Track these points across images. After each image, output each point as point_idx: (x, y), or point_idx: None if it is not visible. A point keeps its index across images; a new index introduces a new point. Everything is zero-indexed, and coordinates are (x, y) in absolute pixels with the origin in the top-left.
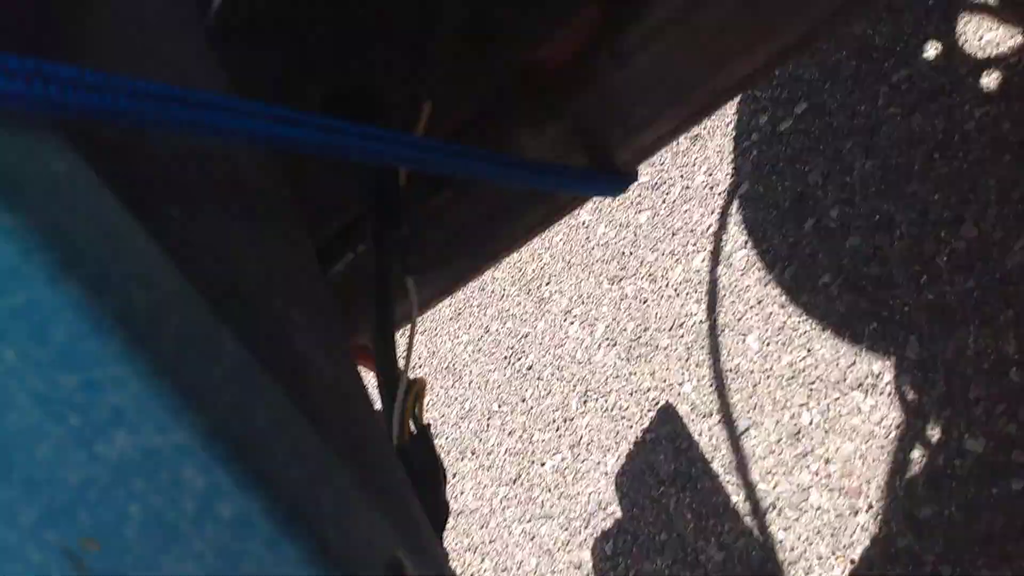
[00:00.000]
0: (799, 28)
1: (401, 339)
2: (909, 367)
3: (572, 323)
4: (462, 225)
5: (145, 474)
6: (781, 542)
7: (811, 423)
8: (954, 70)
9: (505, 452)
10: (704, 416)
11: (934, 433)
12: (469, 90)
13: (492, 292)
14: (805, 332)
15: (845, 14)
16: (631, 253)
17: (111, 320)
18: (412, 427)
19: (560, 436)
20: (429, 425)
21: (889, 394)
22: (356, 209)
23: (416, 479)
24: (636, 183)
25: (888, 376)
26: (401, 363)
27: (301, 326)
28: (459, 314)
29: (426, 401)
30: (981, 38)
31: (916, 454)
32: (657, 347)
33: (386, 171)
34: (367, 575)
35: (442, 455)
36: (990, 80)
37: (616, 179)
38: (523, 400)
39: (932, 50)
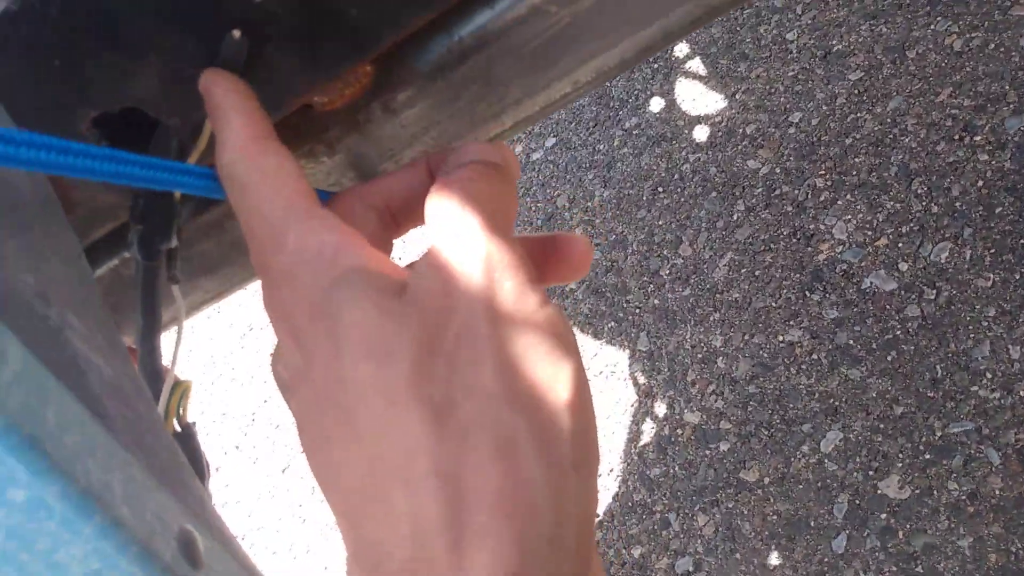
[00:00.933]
0: (536, 104)
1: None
2: (640, 357)
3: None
4: (235, 238)
5: None
6: None
7: None
8: (674, 122)
9: (272, 444)
10: None
11: (660, 409)
12: None
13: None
14: None
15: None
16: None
17: None
18: (177, 425)
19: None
20: (194, 423)
21: (624, 379)
22: (124, 215)
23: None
24: None
25: (623, 364)
26: (169, 363)
27: (79, 331)
28: (219, 311)
29: (189, 403)
30: (694, 99)
31: (647, 427)
32: None
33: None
34: (160, 547)
35: (205, 452)
36: (700, 133)
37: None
38: None
39: (656, 105)
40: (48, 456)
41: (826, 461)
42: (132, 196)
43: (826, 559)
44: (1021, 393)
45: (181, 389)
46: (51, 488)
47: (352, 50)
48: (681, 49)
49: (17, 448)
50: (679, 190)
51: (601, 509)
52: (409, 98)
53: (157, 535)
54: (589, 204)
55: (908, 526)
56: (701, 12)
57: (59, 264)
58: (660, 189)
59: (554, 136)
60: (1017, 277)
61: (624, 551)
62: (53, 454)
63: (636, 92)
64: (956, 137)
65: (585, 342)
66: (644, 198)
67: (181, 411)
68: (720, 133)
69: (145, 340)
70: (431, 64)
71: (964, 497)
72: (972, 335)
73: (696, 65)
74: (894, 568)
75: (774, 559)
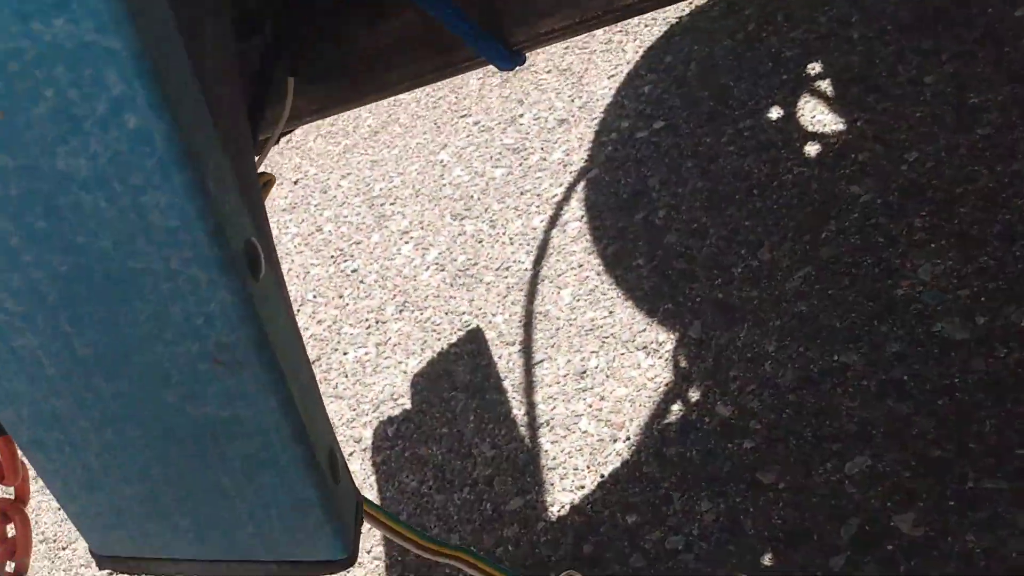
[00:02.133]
0: None
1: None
2: (688, 343)
3: (407, 243)
4: (363, 50)
5: (70, 66)
6: (547, 451)
7: (596, 367)
8: (788, 133)
9: (310, 336)
10: (507, 344)
11: (694, 395)
12: None
13: (334, 197)
14: (611, 297)
15: None
16: (478, 199)
17: None
18: None
19: (369, 333)
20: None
21: (666, 360)
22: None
23: None
24: (500, 144)
25: (669, 346)
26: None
27: (211, 43)
28: (294, 207)
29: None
30: (814, 116)
31: (675, 408)
32: (481, 281)
33: None
34: (233, 238)
35: None
36: (812, 149)
37: (508, 55)
38: (340, 296)
39: (775, 113)
40: (167, 98)
41: (847, 482)
42: None
43: (819, 574)
44: None
45: (264, 180)
46: (160, 125)
47: None
48: (814, 67)
49: (145, 75)
50: (774, 197)
51: (606, 470)
52: None
53: (231, 227)
54: (680, 190)
55: (912, 563)
56: None
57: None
58: (755, 192)
59: (663, 120)
60: None
61: (619, 515)
62: (171, 97)
63: (758, 97)
64: None
65: (636, 316)
66: (737, 197)
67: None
68: (831, 154)
69: (249, 113)
70: None
71: (979, 551)
72: None
73: (825, 86)
74: None
75: (767, 560)
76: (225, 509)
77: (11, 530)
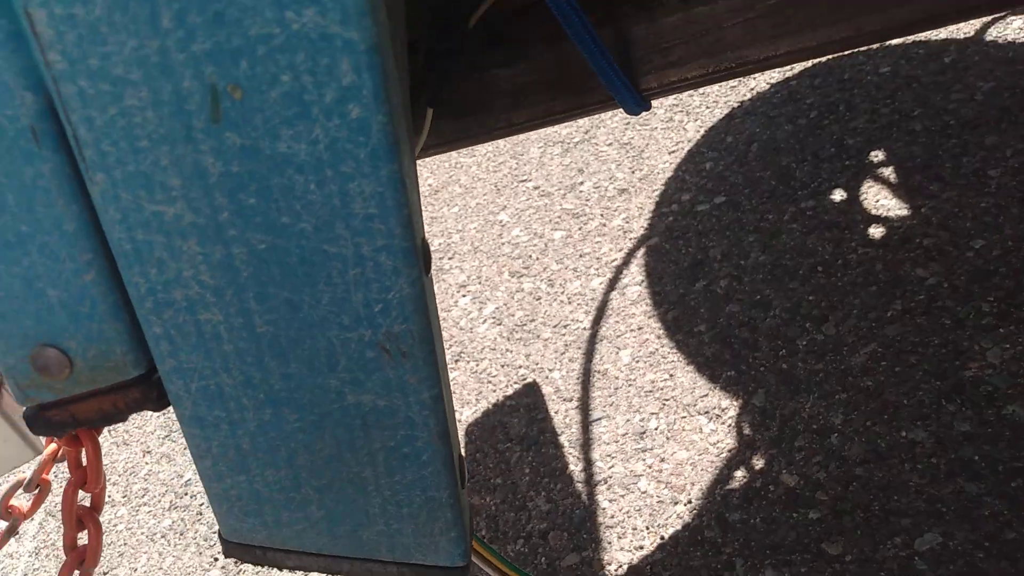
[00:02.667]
0: (815, 40)
1: None
2: (752, 411)
3: (465, 296)
4: (498, 88)
5: (310, 54)
6: (604, 509)
7: (656, 428)
8: (851, 215)
9: None
10: (564, 400)
11: (758, 463)
12: None
13: None
14: (672, 361)
15: (888, 32)
16: (537, 259)
17: None
18: None
19: None
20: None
21: (729, 426)
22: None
23: None
24: (560, 208)
25: (733, 412)
26: None
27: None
28: None
29: None
30: (877, 200)
31: (738, 474)
32: (539, 337)
33: (460, 5)
34: (416, 230)
35: None
36: (876, 231)
37: (639, 99)
38: None
39: (839, 195)
40: (388, 91)
41: (917, 559)
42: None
43: None
44: None
45: None
46: (379, 117)
47: None
48: (877, 155)
49: (374, 68)
50: (839, 275)
51: (666, 533)
52: None
53: (415, 221)
54: (742, 263)
55: None
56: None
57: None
58: (819, 268)
59: (724, 195)
60: None
61: None
62: (390, 92)
63: (820, 179)
64: None
65: (698, 380)
66: (801, 272)
67: None
68: (896, 237)
69: None
70: None
71: None
72: None
73: (888, 173)
74: None
75: None
76: (360, 502)
77: (83, 538)
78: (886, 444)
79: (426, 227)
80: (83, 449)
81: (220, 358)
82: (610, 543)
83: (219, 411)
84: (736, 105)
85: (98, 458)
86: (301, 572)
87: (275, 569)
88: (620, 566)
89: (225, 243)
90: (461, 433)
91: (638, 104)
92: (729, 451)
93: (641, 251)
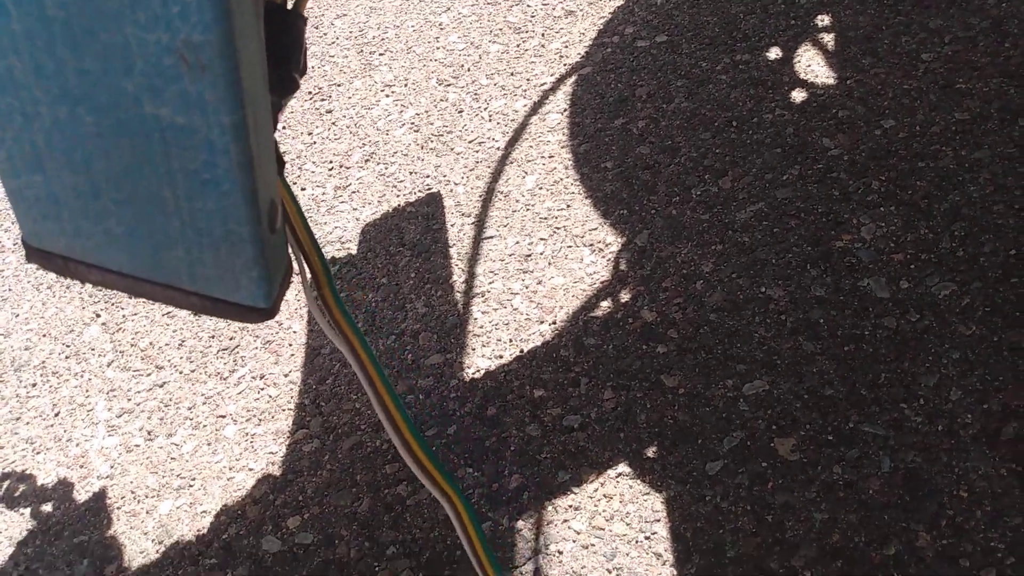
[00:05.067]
0: None
1: None
2: (632, 249)
3: (388, 96)
4: None
5: None
6: (476, 319)
7: (542, 253)
8: (779, 75)
9: None
10: (463, 215)
11: (624, 297)
12: None
13: (324, 35)
14: (572, 192)
15: None
16: (468, 70)
17: None
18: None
19: (331, 175)
20: (306, 18)
21: (608, 260)
22: None
23: (270, 47)
24: (504, 20)
25: (615, 248)
26: None
27: None
28: None
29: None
30: (809, 65)
31: (604, 304)
32: (452, 149)
33: None
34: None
35: None
36: (798, 95)
37: None
38: (309, 133)
39: (774, 53)
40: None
41: (741, 401)
42: None
43: (695, 474)
44: (939, 427)
45: None
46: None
47: None
48: (823, 19)
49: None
50: (749, 132)
51: (526, 347)
52: None
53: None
54: (664, 106)
55: (779, 482)
56: None
57: None
58: (734, 123)
59: (667, 35)
60: (995, 340)
61: (528, 388)
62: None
63: (761, 35)
64: (1017, 207)
65: (591, 214)
66: (716, 124)
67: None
68: (814, 104)
69: None
70: None
71: (841, 483)
72: (927, 365)
73: (829, 39)
74: (747, 508)
75: (651, 452)
76: (159, 223)
77: None
78: (744, 297)
79: (364, 17)
80: None
81: (8, 37)
82: (473, 349)
83: (10, 98)
84: None
85: None
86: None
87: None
88: (478, 370)
89: None
90: (356, 232)
91: None
92: (602, 283)
93: (572, 79)
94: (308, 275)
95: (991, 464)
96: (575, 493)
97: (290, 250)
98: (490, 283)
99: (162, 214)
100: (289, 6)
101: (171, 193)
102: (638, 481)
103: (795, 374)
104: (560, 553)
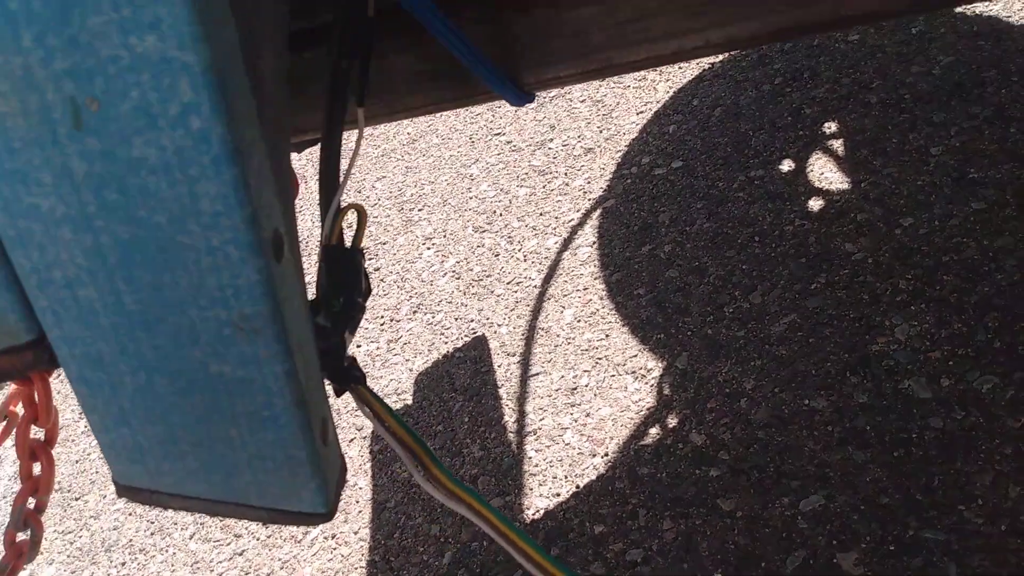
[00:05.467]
0: (670, 48)
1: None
2: (674, 372)
3: (429, 248)
4: (396, 71)
5: (154, 74)
6: (530, 458)
7: (586, 385)
8: (795, 186)
9: None
10: (508, 354)
11: (672, 422)
12: None
13: (367, 197)
14: (610, 322)
15: (730, 45)
16: (500, 215)
17: None
18: (347, 244)
19: (383, 330)
20: (364, 249)
21: (652, 386)
22: (323, 17)
23: (334, 280)
24: (528, 165)
25: (656, 373)
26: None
27: (266, 54)
28: None
29: (365, 230)
30: (822, 172)
31: (653, 431)
32: (492, 292)
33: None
34: (263, 224)
35: None
36: (815, 204)
37: (520, 93)
38: None
39: (787, 165)
40: (226, 106)
41: (799, 518)
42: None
43: None
44: (1002, 527)
45: (358, 210)
46: (218, 129)
47: None
48: (830, 127)
49: (211, 87)
50: (773, 245)
51: (581, 482)
52: (574, 1)
53: (263, 216)
54: (687, 229)
55: None
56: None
57: (273, 11)
58: (756, 239)
59: (682, 160)
60: None
61: (587, 524)
62: (229, 106)
63: (773, 149)
64: None
65: (630, 341)
66: (739, 241)
67: (355, 234)
68: (832, 211)
69: (328, 142)
70: None
71: None
72: (980, 463)
73: (837, 145)
74: None
75: None
76: (229, 456)
77: (37, 469)
78: (789, 411)
79: (401, 177)
80: (35, 389)
81: (97, 329)
82: (531, 489)
83: (100, 374)
84: (707, 67)
85: (48, 397)
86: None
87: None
88: (537, 511)
89: (94, 232)
90: (411, 382)
91: (519, 97)
92: (648, 409)
93: (597, 212)
94: (412, 462)
95: None
96: None
97: (390, 442)
98: (540, 420)
99: (230, 449)
100: (348, 243)
101: (237, 432)
102: None
103: (849, 485)
104: None
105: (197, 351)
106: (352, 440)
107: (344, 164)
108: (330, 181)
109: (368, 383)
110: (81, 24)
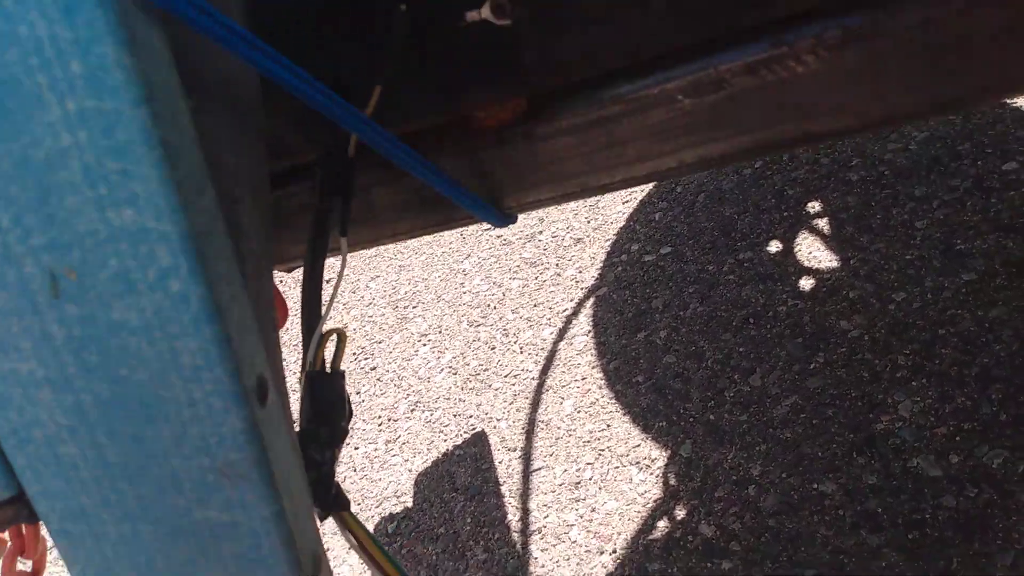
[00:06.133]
0: (644, 169)
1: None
2: (678, 461)
3: (425, 345)
4: (381, 202)
5: (131, 244)
6: (536, 559)
7: (591, 478)
8: (785, 267)
9: None
10: (509, 449)
11: (679, 513)
12: (408, 110)
13: (362, 297)
14: (610, 411)
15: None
16: (495, 308)
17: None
18: (328, 367)
19: (380, 430)
20: (344, 371)
21: (657, 476)
22: (304, 156)
23: (319, 407)
24: (520, 257)
25: (661, 463)
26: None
27: (246, 205)
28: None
29: (344, 351)
30: (810, 252)
31: (661, 524)
32: (490, 386)
33: (341, 135)
34: (246, 375)
35: None
36: (806, 283)
37: (501, 216)
38: (357, 392)
39: (774, 246)
40: (205, 269)
41: None
42: (314, 140)
43: None
44: None
45: (338, 334)
46: (197, 290)
47: (517, 84)
48: (813, 206)
49: (188, 253)
50: (768, 327)
51: None
52: (546, 134)
53: (246, 366)
54: (681, 313)
55: None
56: (788, 136)
57: (253, 156)
58: (751, 320)
59: (670, 246)
60: None
61: None
62: (208, 269)
63: (759, 231)
64: None
65: (632, 431)
66: (733, 324)
67: (335, 357)
68: (824, 289)
69: (311, 274)
70: (572, 111)
71: None
72: (999, 542)
73: (823, 224)
74: None
75: None
76: None
77: None
78: (799, 496)
79: (395, 275)
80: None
81: (79, 483)
82: None
83: (82, 526)
84: None
85: (35, 529)
86: None
87: None
88: None
89: (74, 392)
90: (411, 483)
91: (501, 220)
92: (655, 501)
93: (590, 301)
94: None
95: None
96: None
97: (372, 570)
98: (545, 517)
99: None
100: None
101: (224, 573)
102: None
103: (865, 571)
104: None
105: (181, 499)
106: (351, 548)
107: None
108: (313, 310)
109: (368, 487)
110: (59, 204)
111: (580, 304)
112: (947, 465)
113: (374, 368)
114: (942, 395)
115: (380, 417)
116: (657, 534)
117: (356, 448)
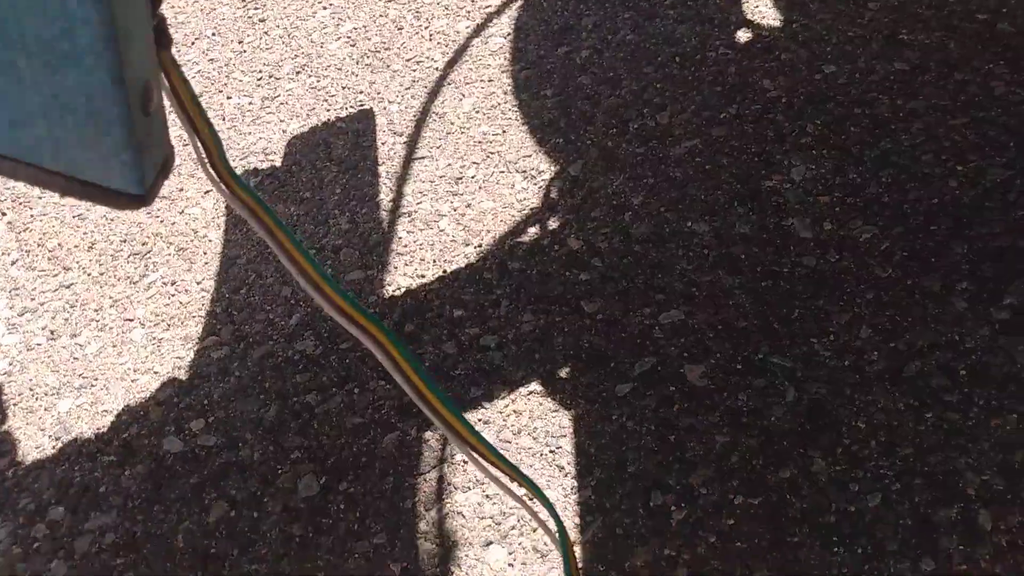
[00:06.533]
0: None
1: None
2: (565, 178)
3: (325, 8)
4: None
5: None
6: (400, 239)
7: (473, 177)
8: (728, 16)
9: (197, 72)
10: (395, 133)
11: (552, 224)
12: None
13: None
14: (509, 118)
15: None
16: None
17: None
18: None
19: (258, 85)
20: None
21: (540, 187)
22: None
23: None
24: None
25: (547, 176)
26: None
27: None
28: None
29: None
30: (757, 6)
31: (532, 231)
32: (388, 67)
33: None
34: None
35: None
36: (743, 35)
37: None
38: (240, 41)
39: None
40: None
41: (656, 328)
42: None
43: (604, 395)
44: (845, 363)
45: None
46: None
47: None
48: None
49: None
50: (692, 69)
51: (449, 268)
52: None
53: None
54: (609, 37)
55: (685, 406)
56: None
57: None
58: (677, 59)
59: None
60: (908, 283)
61: (448, 308)
62: None
63: None
64: (944, 158)
65: (527, 141)
66: (659, 59)
67: None
68: (759, 46)
69: None
70: None
71: (745, 409)
72: (841, 304)
73: None
74: (652, 428)
75: (564, 373)
76: (15, 94)
77: None
78: (671, 230)
79: None
80: None
81: None
82: (396, 268)
83: None
84: None
85: None
86: None
87: None
88: (399, 288)
89: None
90: (282, 144)
91: None
92: (531, 209)
93: (517, 3)
94: (201, 151)
95: (891, 399)
96: (485, 408)
97: (184, 125)
98: (418, 203)
99: (19, 84)
100: None
101: (26, 62)
102: (548, 399)
103: (712, 305)
104: (465, 463)
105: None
106: (208, 192)
107: None
108: None
109: (235, 138)
110: None
111: (506, 4)
112: (819, 230)
113: (263, 20)
114: (836, 168)
115: (261, 72)
116: (525, 238)
117: (229, 98)
